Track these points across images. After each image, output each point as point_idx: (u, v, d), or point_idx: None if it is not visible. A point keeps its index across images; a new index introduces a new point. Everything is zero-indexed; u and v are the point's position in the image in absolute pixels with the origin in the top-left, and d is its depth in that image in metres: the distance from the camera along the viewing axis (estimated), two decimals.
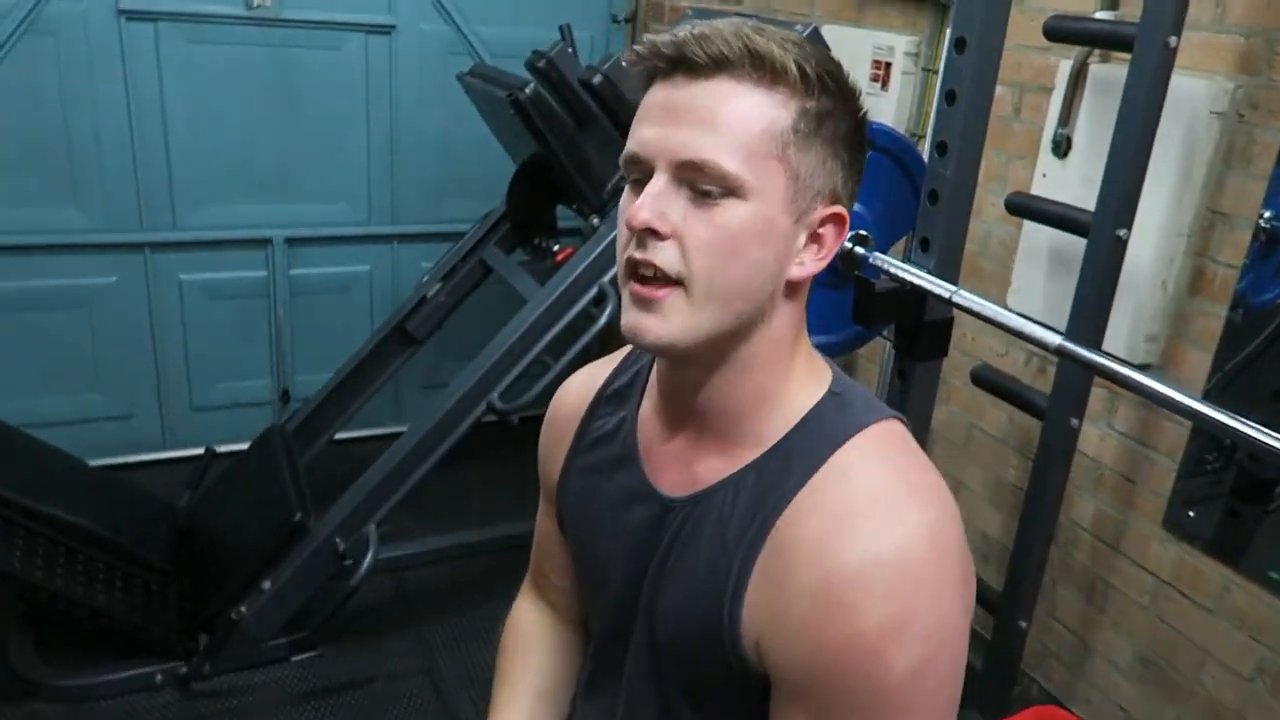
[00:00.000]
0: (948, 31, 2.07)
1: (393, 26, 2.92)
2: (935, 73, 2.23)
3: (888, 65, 2.35)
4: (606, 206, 2.28)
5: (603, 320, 2.11)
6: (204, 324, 3.00)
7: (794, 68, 0.72)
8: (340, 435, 2.94)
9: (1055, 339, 1.34)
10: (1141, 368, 1.83)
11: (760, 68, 0.72)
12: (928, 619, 0.70)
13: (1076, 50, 1.84)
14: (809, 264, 0.78)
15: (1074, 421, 1.78)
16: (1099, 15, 1.78)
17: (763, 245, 0.74)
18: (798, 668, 0.73)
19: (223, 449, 2.95)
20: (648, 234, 0.73)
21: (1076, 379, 1.76)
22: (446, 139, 3.08)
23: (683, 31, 0.73)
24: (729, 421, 0.81)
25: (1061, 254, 1.93)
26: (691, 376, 0.80)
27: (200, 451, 2.91)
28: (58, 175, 2.70)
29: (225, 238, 2.95)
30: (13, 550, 2.02)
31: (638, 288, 0.75)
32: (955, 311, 1.59)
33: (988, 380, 1.97)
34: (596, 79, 2.15)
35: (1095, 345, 1.65)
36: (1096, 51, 1.84)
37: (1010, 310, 1.46)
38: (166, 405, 3.05)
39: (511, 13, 3.03)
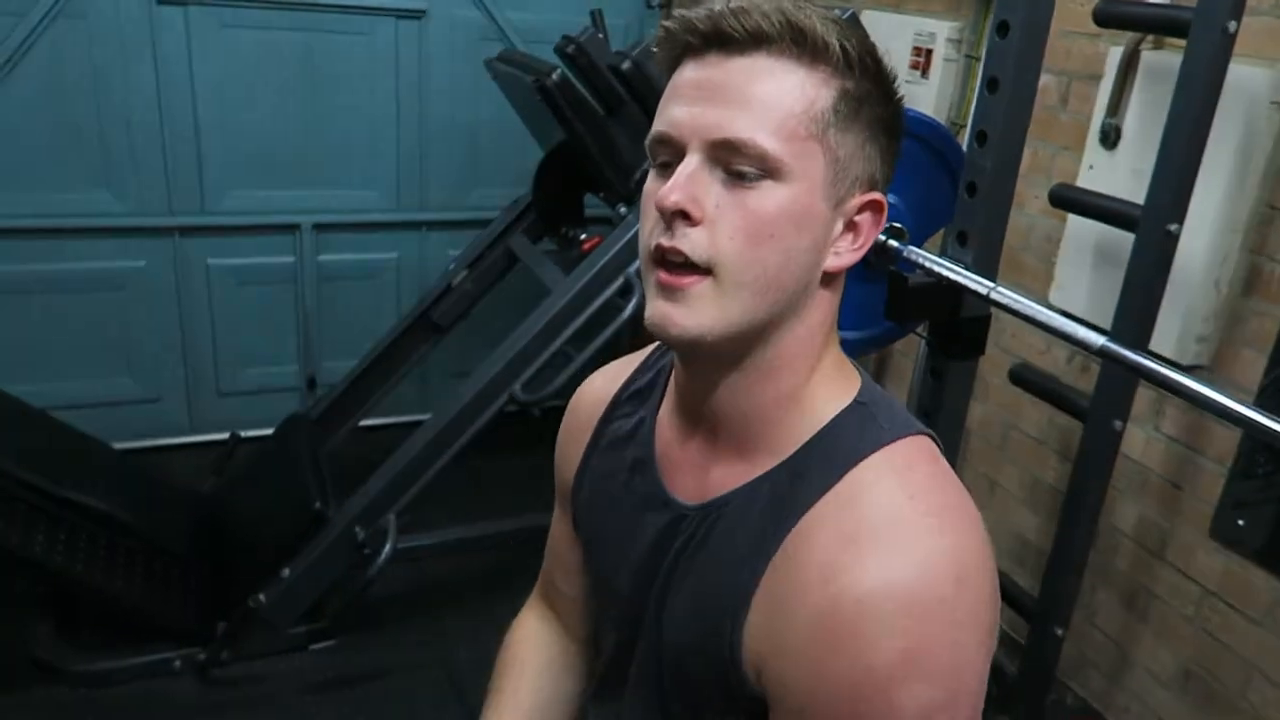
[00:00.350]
0: (992, 17, 2.01)
1: (424, 11, 2.90)
2: (979, 60, 2.16)
3: (929, 52, 2.28)
4: (634, 195, 2.24)
5: (628, 311, 2.07)
6: (232, 309, 3.02)
7: (836, 45, 0.69)
8: (365, 422, 2.94)
9: (1099, 340, 1.28)
10: (1191, 369, 1.76)
11: (801, 44, 0.69)
12: (943, 659, 0.64)
13: (1128, 36, 1.77)
14: (845, 254, 0.74)
15: (1117, 424, 1.71)
16: None
17: (800, 232, 0.70)
18: (797, 695, 0.68)
19: (249, 434, 2.97)
20: (678, 218, 0.69)
21: (1121, 380, 1.69)
22: (476, 125, 3.06)
23: (718, 5, 0.69)
24: (747, 427, 0.77)
25: (1109, 249, 1.86)
26: (711, 378, 0.76)
27: (226, 436, 2.92)
28: (89, 159, 2.71)
29: (254, 223, 2.96)
30: (34, 534, 2.03)
31: (664, 275, 0.70)
32: (994, 308, 1.53)
33: (1027, 380, 1.90)
34: (626, 65, 2.11)
35: (1142, 346, 1.58)
36: (1149, 37, 1.76)
37: (1051, 308, 1.40)
38: (194, 389, 3.06)
39: None
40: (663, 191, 0.69)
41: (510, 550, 2.61)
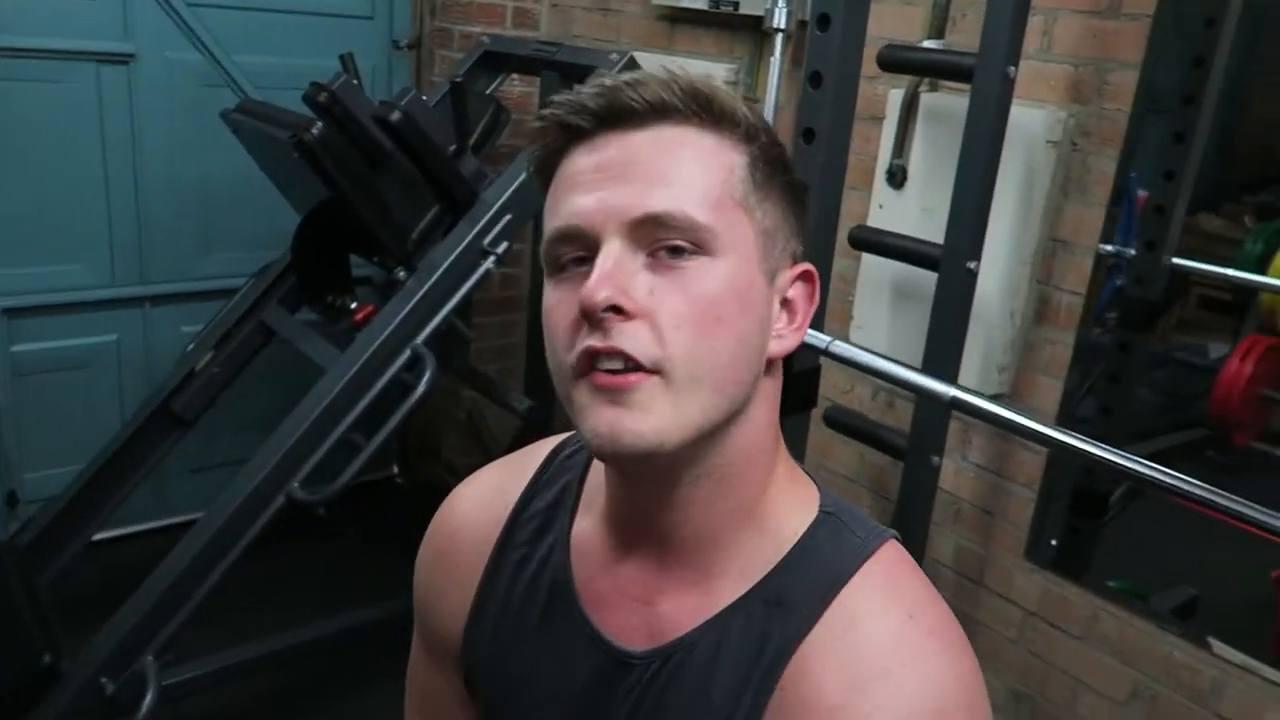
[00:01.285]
0: (771, 60, 2.07)
1: (131, 55, 2.58)
2: (758, 102, 2.22)
3: None
4: (413, 257, 2.09)
5: (421, 389, 1.91)
6: None
7: (741, 111, 0.66)
8: (99, 536, 2.53)
9: (950, 391, 1.32)
10: (995, 398, 1.88)
11: (707, 111, 0.65)
12: None
13: (907, 79, 1.87)
14: (788, 336, 0.69)
15: (935, 459, 1.79)
16: (928, 44, 1.81)
17: (746, 312, 0.64)
18: None
19: None
20: (611, 314, 0.61)
21: (937, 417, 1.77)
22: (206, 183, 2.75)
23: (608, 80, 0.65)
24: (703, 548, 0.69)
25: (903, 286, 1.95)
26: (658, 493, 0.68)
27: None
28: None
29: None
30: None
31: (603, 377, 0.62)
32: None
33: (841, 422, 1.95)
34: (395, 115, 1.96)
35: (952, 379, 1.66)
36: (925, 80, 1.87)
37: (894, 360, 1.42)
38: None
39: (278, 40, 2.76)
40: (588, 288, 0.61)
41: (300, 666, 2.35)
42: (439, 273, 2.00)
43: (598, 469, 0.76)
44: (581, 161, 0.65)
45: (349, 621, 2.35)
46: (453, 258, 2.01)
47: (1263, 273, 1.64)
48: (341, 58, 2.24)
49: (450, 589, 0.81)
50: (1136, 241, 1.74)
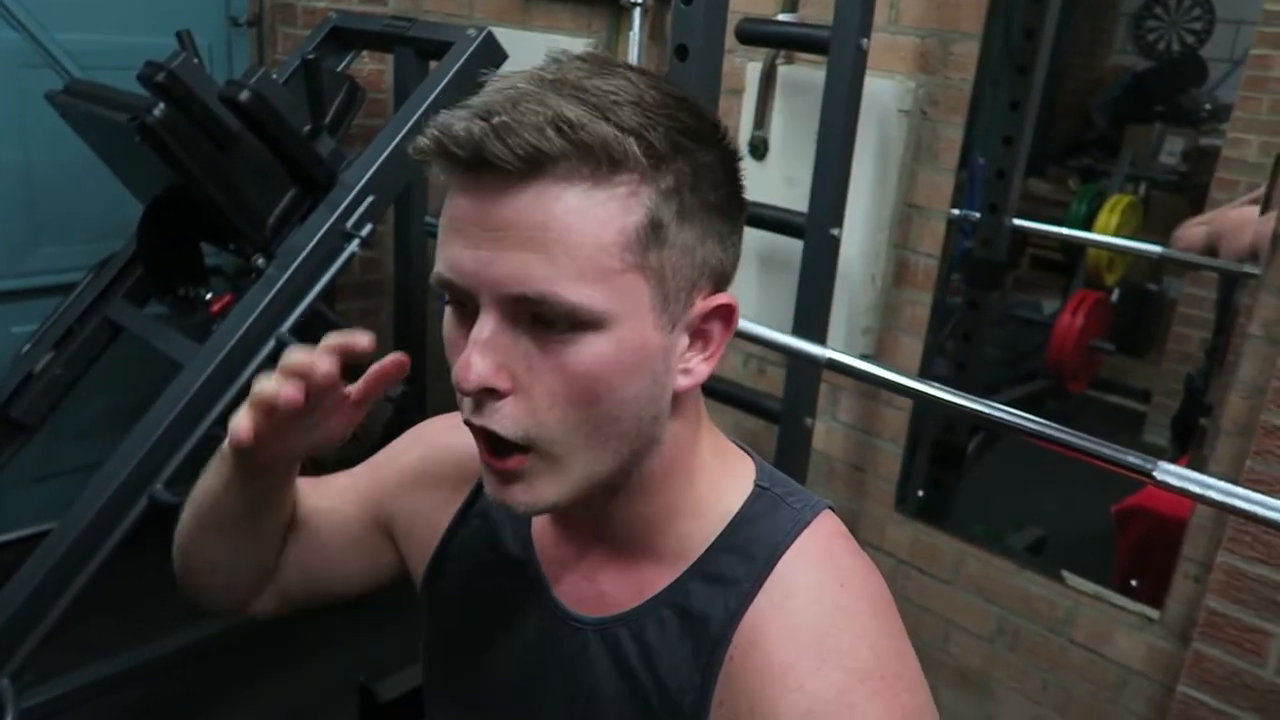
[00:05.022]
0: (631, 34, 2.12)
1: None
2: None
3: None
4: (271, 244, 2.03)
5: None
6: None
7: (635, 148, 0.58)
8: None
9: (825, 353, 1.40)
10: (861, 359, 1.99)
11: (593, 159, 0.58)
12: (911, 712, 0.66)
13: (765, 53, 1.94)
14: (697, 368, 0.67)
15: (808, 421, 1.88)
16: (782, 17, 1.89)
17: (634, 376, 0.62)
18: None
19: None
20: (484, 394, 0.62)
21: (809, 380, 1.86)
22: (29, 172, 2.58)
23: (476, 123, 0.57)
24: (634, 539, 0.73)
25: (767, 255, 2.03)
26: (580, 509, 0.71)
27: None
28: None
29: None
30: None
31: (489, 458, 0.65)
32: None
33: (718, 391, 2.02)
34: (244, 95, 1.90)
35: (821, 341, 1.75)
36: (782, 53, 1.95)
37: (764, 327, 1.49)
38: None
39: (103, 16, 2.61)
40: (460, 367, 0.60)
41: (186, 670, 2.27)
42: (300, 258, 1.96)
43: None
44: (463, 204, 0.61)
45: (214, 629, 2.28)
46: (314, 242, 1.97)
47: (1088, 231, 1.81)
48: (179, 34, 2.14)
49: (435, 491, 0.86)
50: (980, 205, 1.88)
